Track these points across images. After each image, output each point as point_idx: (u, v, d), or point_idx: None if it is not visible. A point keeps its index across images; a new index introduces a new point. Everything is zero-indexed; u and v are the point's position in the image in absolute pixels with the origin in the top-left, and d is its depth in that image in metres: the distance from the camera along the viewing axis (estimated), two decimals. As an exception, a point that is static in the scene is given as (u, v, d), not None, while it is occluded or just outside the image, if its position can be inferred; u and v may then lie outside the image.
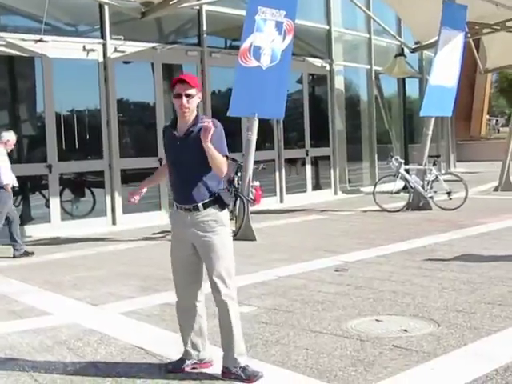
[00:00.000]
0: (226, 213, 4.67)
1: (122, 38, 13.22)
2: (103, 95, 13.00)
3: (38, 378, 4.70)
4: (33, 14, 12.43)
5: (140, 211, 12.79)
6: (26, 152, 12.54)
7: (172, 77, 14.56)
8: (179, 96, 4.56)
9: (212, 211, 4.58)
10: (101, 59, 12.99)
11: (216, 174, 4.55)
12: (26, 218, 12.02)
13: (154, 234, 11.61)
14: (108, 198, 13.00)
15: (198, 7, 14.30)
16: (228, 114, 10.92)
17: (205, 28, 14.67)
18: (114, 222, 12.85)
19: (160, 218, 13.10)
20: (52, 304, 7.01)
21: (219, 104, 14.88)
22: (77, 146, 12.82)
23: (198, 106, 4.67)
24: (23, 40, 12.04)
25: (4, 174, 9.69)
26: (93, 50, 12.88)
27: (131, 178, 13.02)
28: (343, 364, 4.80)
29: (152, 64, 13.89)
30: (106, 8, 12.97)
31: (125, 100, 13.89)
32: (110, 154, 12.94)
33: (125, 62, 13.58)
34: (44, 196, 12.40)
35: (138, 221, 12.64)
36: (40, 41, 12.11)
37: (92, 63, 12.91)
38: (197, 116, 4.64)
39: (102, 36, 13.08)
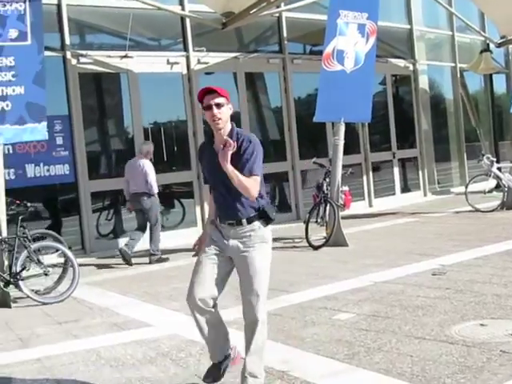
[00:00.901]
0: (269, 229, 4.47)
1: (204, 49, 13.35)
2: (188, 107, 13.15)
3: (144, 390, 4.74)
4: (117, 31, 12.69)
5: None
6: (114, 167, 12.80)
7: (255, 85, 14.63)
8: (209, 107, 4.35)
9: (255, 226, 4.40)
10: (184, 71, 13.16)
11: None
12: (118, 231, 12.29)
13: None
14: (198, 209, 13.13)
15: (277, 14, 14.31)
16: (314, 119, 10.87)
17: (285, 35, 14.66)
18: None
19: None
20: (151, 315, 7.10)
21: (303, 110, 14.85)
22: (165, 158, 13.00)
23: (232, 120, 4.45)
24: (109, 57, 12.32)
25: (155, 184, 10.48)
26: (176, 63, 13.07)
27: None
28: (450, 371, 4.65)
29: (234, 74, 13.97)
30: (188, 21, 13.14)
31: (209, 111, 13.97)
32: (198, 165, 13.04)
33: (207, 73, 13.69)
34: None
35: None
36: (125, 57, 12.37)
37: (176, 76, 13.09)
38: (232, 129, 4.44)
39: (185, 48, 13.25)
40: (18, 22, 8.15)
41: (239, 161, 4.30)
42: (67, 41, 11.78)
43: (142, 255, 10.89)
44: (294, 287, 7.80)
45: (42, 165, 11.25)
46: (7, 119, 8.13)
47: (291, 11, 14.24)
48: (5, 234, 8.18)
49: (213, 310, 4.54)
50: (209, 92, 4.37)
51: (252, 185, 4.29)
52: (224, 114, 4.36)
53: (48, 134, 8.84)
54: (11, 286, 8.02)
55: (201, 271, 4.47)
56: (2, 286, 8.01)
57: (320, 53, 11.49)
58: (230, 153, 4.17)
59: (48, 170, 11.33)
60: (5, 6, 8.05)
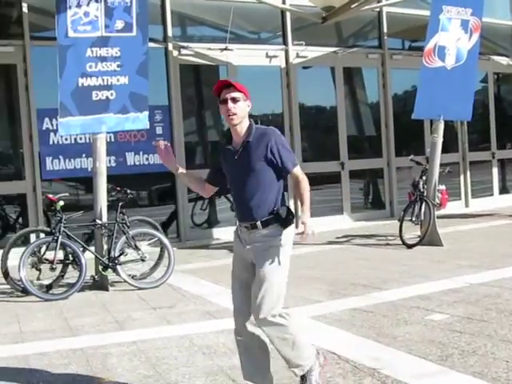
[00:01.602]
0: (287, 232, 4.20)
1: (304, 43, 13.35)
2: (285, 100, 13.22)
3: (236, 379, 4.80)
4: (218, 23, 12.85)
5: (322, 215, 12.85)
6: (210, 157, 12.96)
7: (353, 81, 14.53)
8: (225, 101, 4.15)
9: (271, 229, 4.17)
10: (283, 65, 13.21)
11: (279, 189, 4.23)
12: (212, 221, 12.49)
13: (338, 238, 11.62)
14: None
15: (378, 9, 14.16)
16: (412, 116, 10.71)
17: (385, 30, 14.49)
18: (296, 226, 12.91)
19: (343, 222, 13.11)
20: (243, 305, 7.18)
21: (401, 107, 14.66)
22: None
23: (251, 117, 4.26)
24: (209, 49, 12.51)
25: None
26: (275, 57, 13.14)
27: (312, 181, 13.02)
28: (548, 379, 4.53)
29: (332, 68, 13.92)
30: (288, 14, 13.17)
31: (306, 104, 14.00)
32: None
33: (305, 67, 13.70)
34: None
35: (320, 225, 12.67)
36: (225, 49, 12.53)
37: (274, 69, 13.17)
38: (250, 125, 4.22)
39: (284, 42, 13.30)
40: (124, 13, 8.36)
41: (268, 158, 4.12)
42: (169, 33, 12.04)
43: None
44: (386, 285, 7.73)
45: (141, 153, 11.57)
46: (111, 108, 8.36)
47: (392, 6, 14.07)
48: (105, 219, 8.44)
49: (258, 332, 4.27)
50: (226, 86, 4.19)
51: (305, 184, 4.18)
52: (240, 109, 4.16)
53: (148, 123, 9.05)
54: (109, 270, 8.27)
55: (235, 297, 4.31)
56: (100, 270, 8.28)
57: (420, 49, 11.31)
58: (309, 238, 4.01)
59: (147, 159, 11.63)
60: (113, -3, 8.28)
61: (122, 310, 7.21)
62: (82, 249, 8.19)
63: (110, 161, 10.68)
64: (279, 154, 4.15)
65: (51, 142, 11.00)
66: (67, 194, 8.87)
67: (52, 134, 10.97)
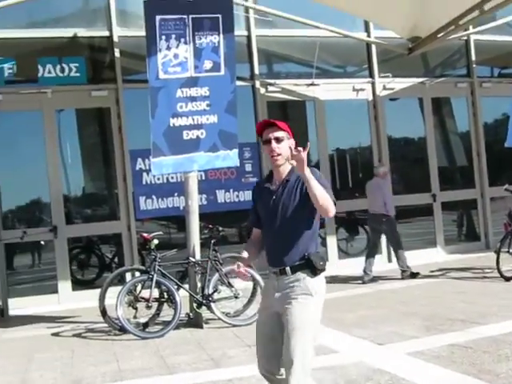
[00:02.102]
0: (318, 280, 4.03)
1: (390, 75, 13.27)
2: (374, 133, 13.12)
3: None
4: (304, 59, 12.91)
5: (415, 248, 12.64)
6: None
7: (442, 110, 14.31)
8: (268, 141, 4.06)
9: (300, 276, 3.99)
10: (370, 98, 13.15)
11: (314, 228, 4.05)
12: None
13: (432, 271, 11.37)
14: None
15: (465, 37, 13.94)
16: (506, 144, 10.46)
17: (473, 58, 14.23)
18: (389, 260, 12.76)
19: (436, 255, 12.84)
20: (337, 342, 7.10)
21: (492, 135, 14.32)
22: (350, 185, 13.01)
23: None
24: (296, 85, 12.58)
25: (390, 205, 11.03)
26: (362, 90, 13.09)
27: (404, 214, 12.88)
28: None
29: (420, 99, 13.76)
30: (374, 47, 13.14)
31: (394, 136, 13.86)
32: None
33: (392, 99, 13.59)
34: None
35: (413, 258, 12.43)
36: (311, 84, 12.57)
37: (361, 102, 13.12)
38: (293, 167, 4.05)
39: (371, 75, 13.24)
40: (212, 53, 8.52)
41: (303, 192, 3.98)
42: (256, 70, 12.19)
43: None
44: (485, 319, 7.48)
45: (231, 191, 11.68)
46: (201, 147, 8.49)
47: (480, 34, 13.83)
48: (198, 257, 8.53)
49: (283, 376, 4.06)
50: (268, 125, 4.11)
51: (328, 197, 3.90)
52: (284, 149, 4.04)
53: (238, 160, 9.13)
54: (203, 307, 8.33)
55: (260, 341, 4.18)
56: (195, 307, 8.34)
57: (510, 75, 11.05)
58: (304, 162, 3.79)
59: (237, 196, 11.72)
60: (201, 39, 8.44)
61: (216, 348, 7.22)
62: (176, 287, 8.29)
63: (201, 199, 10.82)
64: (321, 182, 3.95)
65: (144, 182, 11.25)
66: (161, 233, 9.02)
67: (145, 174, 11.22)
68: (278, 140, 4.03)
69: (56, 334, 8.56)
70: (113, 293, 8.17)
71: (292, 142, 4.08)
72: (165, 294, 8.29)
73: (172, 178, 11.12)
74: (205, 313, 8.43)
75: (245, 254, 4.32)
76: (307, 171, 3.84)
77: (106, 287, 8.26)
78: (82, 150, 12.02)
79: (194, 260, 8.48)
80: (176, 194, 11.15)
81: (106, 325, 8.30)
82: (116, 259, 11.83)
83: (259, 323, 4.23)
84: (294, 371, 3.87)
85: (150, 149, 8.49)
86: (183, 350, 7.30)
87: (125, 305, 8.07)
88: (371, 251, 11.24)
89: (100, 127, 12.12)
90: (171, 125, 8.35)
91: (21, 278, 11.44)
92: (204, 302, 8.32)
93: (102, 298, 8.13)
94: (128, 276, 9.96)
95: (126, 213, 11.22)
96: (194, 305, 8.36)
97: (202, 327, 8.33)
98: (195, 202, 8.62)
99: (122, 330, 8.06)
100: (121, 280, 9.62)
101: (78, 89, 11.07)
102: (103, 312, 8.15)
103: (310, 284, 3.99)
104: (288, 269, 4.00)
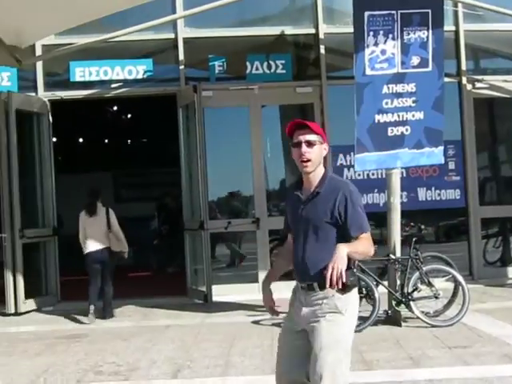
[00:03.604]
0: (349, 298, 3.71)
1: None
2: None
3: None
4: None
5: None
6: (504, 193, 12.47)
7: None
8: (298, 144, 3.68)
9: (329, 294, 3.65)
10: None
11: None
12: (506, 259, 11.96)
13: None
14: None
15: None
16: None
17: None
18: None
19: None
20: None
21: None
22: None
23: (326, 161, 3.74)
24: (505, 81, 12.04)
25: None
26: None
27: None
28: None
29: None
30: None
31: None
32: None
33: None
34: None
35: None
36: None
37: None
38: (325, 174, 3.74)
39: None
40: (420, 49, 8.40)
41: (334, 214, 3.65)
42: (463, 66, 11.83)
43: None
44: None
45: (433, 189, 11.44)
46: (406, 143, 8.40)
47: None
48: (398, 254, 8.46)
49: None
50: (300, 126, 3.74)
51: (369, 245, 3.69)
52: (315, 154, 3.69)
53: (443, 158, 8.93)
54: (402, 305, 8.24)
55: (282, 354, 3.91)
56: (394, 305, 8.28)
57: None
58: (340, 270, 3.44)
59: (439, 194, 11.46)
60: (409, 34, 8.35)
61: (415, 347, 7.14)
62: (375, 283, 8.27)
63: (401, 196, 10.68)
64: (346, 212, 3.66)
65: (344, 178, 11.28)
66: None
67: (345, 170, 11.29)
68: (310, 144, 3.68)
69: (256, 322, 8.85)
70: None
71: (325, 147, 3.77)
72: (363, 289, 8.28)
73: (373, 174, 11.08)
74: (403, 311, 8.32)
75: (272, 276, 4.10)
76: (347, 252, 3.53)
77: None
78: (285, 144, 12.31)
79: (394, 257, 8.41)
80: (376, 191, 11.12)
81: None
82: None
83: (282, 336, 3.96)
84: None
85: (351, 145, 8.58)
86: (381, 346, 7.29)
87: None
88: None
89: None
90: (376, 121, 8.34)
91: (222, 267, 11.97)
92: (403, 300, 8.23)
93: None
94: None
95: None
96: (393, 302, 8.29)
97: (400, 325, 8.25)
98: (397, 198, 8.56)
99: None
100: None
101: (284, 85, 11.34)
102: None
103: (340, 302, 3.69)
104: (316, 285, 3.70)
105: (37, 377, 6.62)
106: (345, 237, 3.68)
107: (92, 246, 9.65)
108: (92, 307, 9.46)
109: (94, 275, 9.67)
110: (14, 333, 9.16)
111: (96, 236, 9.66)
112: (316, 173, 3.74)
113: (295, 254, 3.82)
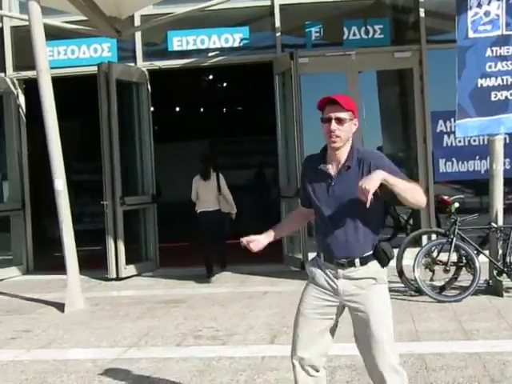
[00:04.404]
0: (385, 269, 3.72)
1: None
2: None
3: None
4: None
5: None
6: None
7: None
8: (328, 120, 3.61)
9: (370, 267, 3.65)
10: None
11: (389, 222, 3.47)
12: None
13: None
14: None
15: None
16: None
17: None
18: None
19: None
20: None
21: None
22: None
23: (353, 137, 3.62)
24: None
25: None
26: None
27: None
28: None
29: None
30: None
31: None
32: None
33: None
34: None
35: None
36: None
37: None
38: (351, 150, 3.67)
39: None
40: (527, 10, 8.06)
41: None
42: None
43: None
44: None
45: (536, 156, 11.02)
46: (510, 108, 8.08)
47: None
48: (500, 223, 8.21)
49: (320, 374, 3.81)
50: (331, 102, 3.64)
51: (413, 187, 3.55)
52: (345, 131, 3.62)
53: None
54: (504, 275, 8.03)
55: (303, 329, 3.79)
56: (495, 275, 8.07)
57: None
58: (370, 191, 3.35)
59: (543, 162, 11.05)
60: (516, -6, 8.03)
61: (516, 317, 6.96)
62: (476, 252, 8.07)
63: (504, 163, 10.34)
64: (394, 172, 3.55)
65: (444, 144, 11.04)
66: (462, 196, 8.84)
67: (445, 137, 10.99)
68: (340, 121, 3.62)
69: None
70: (410, 254, 8.20)
71: (355, 122, 3.70)
72: (463, 258, 8.12)
73: (474, 140, 10.75)
74: (505, 281, 8.10)
75: (264, 238, 4.02)
76: (383, 176, 3.44)
77: (404, 248, 8.29)
78: (382, 110, 12.13)
79: (496, 226, 8.17)
80: (477, 158, 10.79)
81: (401, 285, 8.35)
82: (411, 221, 11.83)
83: (305, 310, 3.81)
84: (384, 362, 3.64)
85: (451, 110, 8.38)
86: (481, 317, 7.14)
87: (422, 267, 8.05)
88: None
89: (401, 88, 12.10)
90: (479, 85, 8.06)
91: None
92: (505, 269, 8.01)
93: (399, 258, 8.16)
94: (424, 238, 9.91)
95: (424, 174, 11.09)
96: (495, 272, 8.08)
97: (501, 295, 8.02)
98: (500, 165, 8.28)
99: (418, 292, 8.06)
100: (417, 242, 9.59)
101: (381, 50, 11.14)
102: (400, 272, 8.18)
103: (381, 274, 3.71)
104: (357, 260, 3.66)
105: (138, 339, 6.84)
106: (381, 203, 3.69)
107: (204, 206, 10.38)
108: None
109: (205, 233, 10.25)
110: (116, 297, 9.48)
111: (208, 198, 10.38)
112: (344, 149, 3.70)
113: (325, 231, 3.75)
